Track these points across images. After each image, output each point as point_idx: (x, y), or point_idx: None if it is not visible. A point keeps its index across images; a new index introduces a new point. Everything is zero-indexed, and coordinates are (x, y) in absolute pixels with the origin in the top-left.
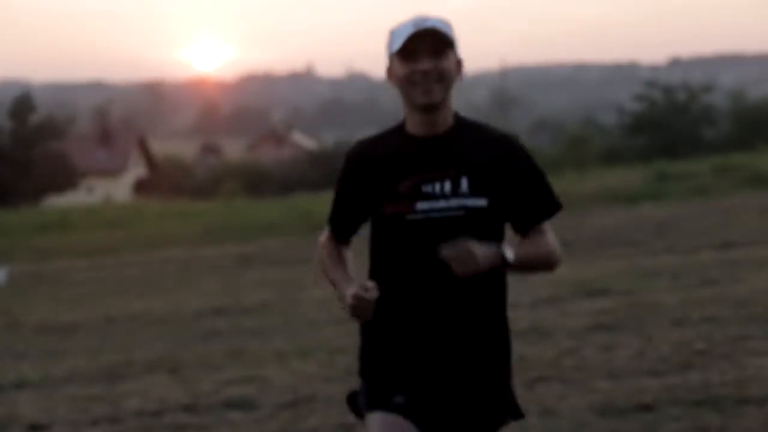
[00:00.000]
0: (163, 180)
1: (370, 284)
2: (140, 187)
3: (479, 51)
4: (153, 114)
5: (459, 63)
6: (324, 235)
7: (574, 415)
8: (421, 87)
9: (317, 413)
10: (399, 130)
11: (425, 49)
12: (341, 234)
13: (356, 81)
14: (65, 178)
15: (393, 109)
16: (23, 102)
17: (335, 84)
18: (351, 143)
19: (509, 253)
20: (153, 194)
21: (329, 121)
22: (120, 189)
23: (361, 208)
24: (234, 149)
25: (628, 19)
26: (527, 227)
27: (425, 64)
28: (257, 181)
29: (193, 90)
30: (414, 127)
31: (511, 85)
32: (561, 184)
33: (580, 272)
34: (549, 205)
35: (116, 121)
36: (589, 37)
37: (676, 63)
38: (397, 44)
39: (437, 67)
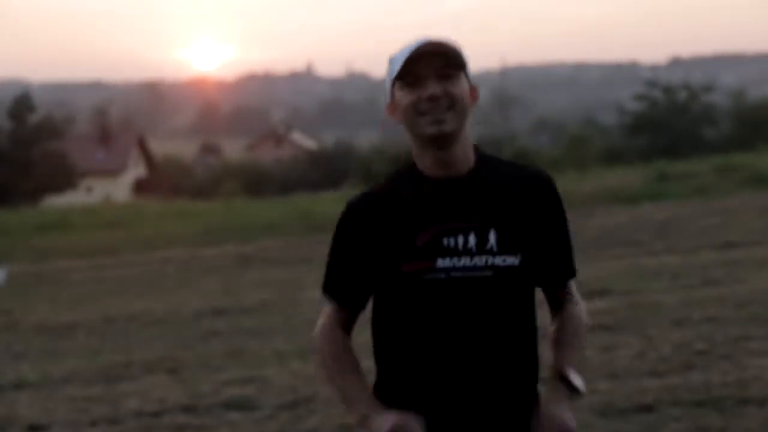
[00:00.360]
0: (162, 180)
1: (412, 421)
2: (140, 187)
3: (479, 51)
4: (152, 114)
5: (473, 90)
6: (324, 316)
7: (575, 416)
8: (429, 116)
9: (317, 414)
10: (410, 171)
11: (431, 71)
12: (349, 305)
13: (356, 81)
14: (65, 178)
15: None
16: (22, 102)
17: (335, 84)
18: (351, 143)
19: (579, 383)
20: (152, 194)
21: (329, 121)
22: (119, 189)
23: (371, 271)
24: (234, 149)
25: (629, 18)
26: (557, 288)
27: (432, 88)
28: (257, 181)
29: (193, 90)
30: (428, 167)
31: (511, 85)
32: (561, 184)
33: (581, 272)
34: (573, 261)
35: (116, 121)
36: (590, 36)
37: (676, 63)
38: (398, 68)
39: (447, 92)
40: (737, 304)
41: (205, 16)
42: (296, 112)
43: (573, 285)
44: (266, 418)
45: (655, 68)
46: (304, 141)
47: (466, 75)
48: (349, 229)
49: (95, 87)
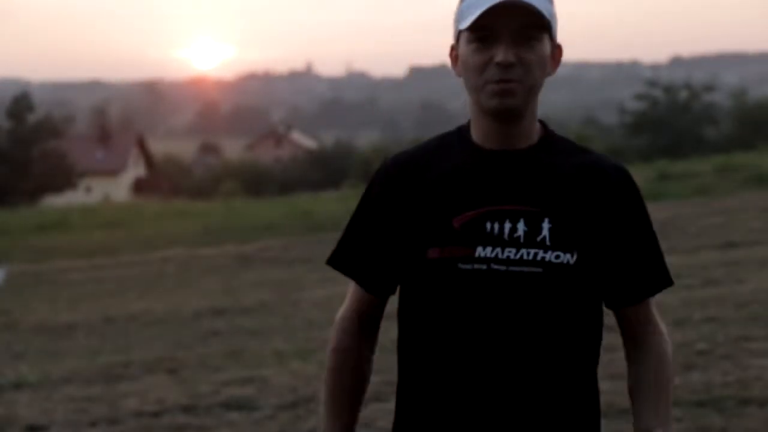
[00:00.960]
0: (162, 180)
1: None
2: (139, 186)
3: None
4: (152, 113)
5: (557, 51)
6: (346, 301)
7: None
8: (494, 85)
9: (317, 414)
10: (460, 137)
11: (509, 30)
12: (371, 286)
13: (356, 80)
14: (64, 177)
15: (393, 108)
16: (21, 101)
17: (335, 83)
18: (351, 143)
19: None
20: (152, 194)
21: (329, 121)
22: (119, 189)
23: (396, 250)
24: (233, 149)
25: (630, 18)
26: (627, 305)
27: (505, 53)
28: (256, 181)
29: (192, 89)
30: (482, 137)
31: None
32: None
33: None
34: (658, 276)
35: (115, 120)
36: (590, 36)
37: (677, 62)
38: (469, 17)
39: (523, 60)
40: (738, 304)
41: (204, 16)
42: (296, 111)
43: (654, 308)
44: (266, 418)
45: (656, 67)
46: (304, 141)
47: (551, 36)
48: (376, 195)
49: (95, 86)
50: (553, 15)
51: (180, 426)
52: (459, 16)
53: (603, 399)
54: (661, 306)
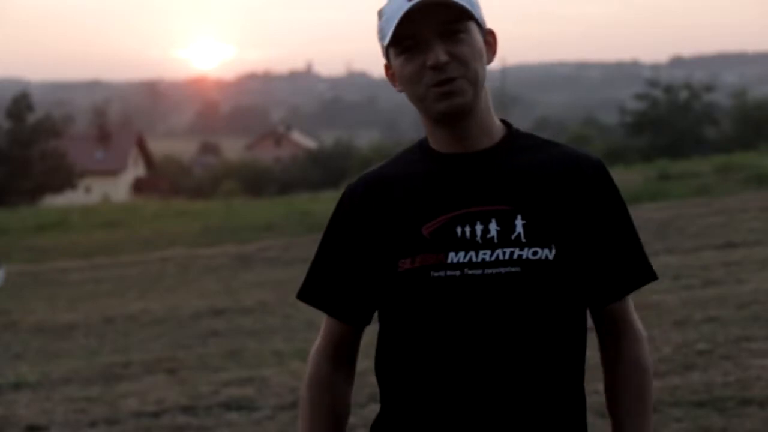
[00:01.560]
0: (161, 179)
1: None
2: (139, 186)
3: None
4: (151, 113)
5: (491, 36)
6: (319, 337)
7: None
8: (435, 88)
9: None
10: (419, 148)
11: (432, 31)
12: (350, 318)
13: (356, 80)
14: (63, 177)
15: (394, 108)
16: (21, 101)
17: (335, 83)
18: (350, 142)
19: None
20: (151, 194)
21: (329, 121)
22: (118, 189)
23: (368, 271)
24: (233, 148)
25: (630, 18)
26: (607, 299)
27: (435, 54)
28: (256, 181)
29: (192, 89)
30: (440, 144)
31: (512, 84)
32: None
33: None
34: (640, 269)
35: (115, 120)
36: (591, 35)
37: (677, 62)
38: (389, 32)
39: (456, 55)
40: (738, 305)
41: (204, 16)
42: (296, 111)
43: (632, 308)
44: (265, 418)
45: (656, 67)
46: (304, 140)
47: (478, 23)
48: (343, 219)
49: (94, 86)
50: (473, 2)
51: (179, 426)
52: (380, 34)
53: (597, 399)
54: (661, 306)
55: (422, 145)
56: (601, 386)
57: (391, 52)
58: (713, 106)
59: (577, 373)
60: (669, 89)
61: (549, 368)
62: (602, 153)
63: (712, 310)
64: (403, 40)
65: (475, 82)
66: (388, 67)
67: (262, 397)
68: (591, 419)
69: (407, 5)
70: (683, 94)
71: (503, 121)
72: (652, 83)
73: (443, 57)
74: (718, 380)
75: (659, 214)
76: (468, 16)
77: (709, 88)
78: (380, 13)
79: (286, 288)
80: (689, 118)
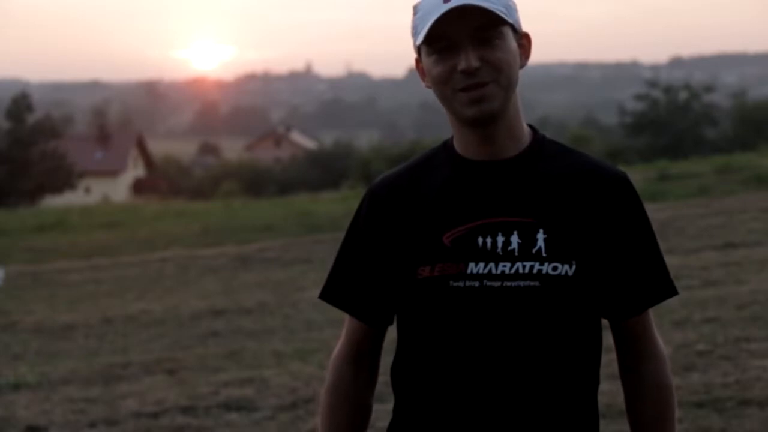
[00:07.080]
0: (161, 180)
1: None
2: (138, 187)
3: None
4: (151, 114)
5: (525, 40)
6: (342, 336)
7: None
8: (465, 93)
9: (316, 415)
10: (446, 151)
11: (466, 35)
12: (372, 319)
13: (355, 80)
14: (63, 178)
15: (393, 109)
16: (21, 101)
17: (334, 83)
18: (350, 143)
19: None
20: (151, 194)
21: (328, 121)
22: (118, 189)
23: (391, 274)
24: (232, 149)
25: (630, 18)
26: (627, 314)
27: (467, 59)
28: (256, 181)
29: (192, 89)
30: (467, 148)
31: None
32: None
33: None
34: (661, 284)
35: (114, 120)
36: (590, 36)
37: (677, 62)
38: (423, 30)
39: (488, 60)
40: (738, 305)
41: (204, 16)
42: (295, 112)
43: (652, 324)
44: (265, 419)
45: (655, 68)
46: (304, 141)
47: (513, 28)
48: (365, 222)
49: (94, 87)
50: (510, 6)
51: (179, 427)
52: (414, 31)
53: (603, 399)
54: (661, 307)
55: (447, 147)
56: (606, 386)
57: (423, 49)
58: (713, 106)
59: (591, 387)
60: (669, 90)
61: (563, 382)
62: (602, 153)
63: (711, 311)
64: (437, 40)
65: (507, 87)
66: (418, 61)
67: (262, 397)
68: None
69: (444, 7)
70: (683, 95)
71: (530, 126)
72: (652, 84)
73: (475, 62)
74: (718, 381)
75: (659, 215)
76: (503, 22)
77: (709, 88)
78: (415, 9)
79: (286, 288)
80: (689, 119)
